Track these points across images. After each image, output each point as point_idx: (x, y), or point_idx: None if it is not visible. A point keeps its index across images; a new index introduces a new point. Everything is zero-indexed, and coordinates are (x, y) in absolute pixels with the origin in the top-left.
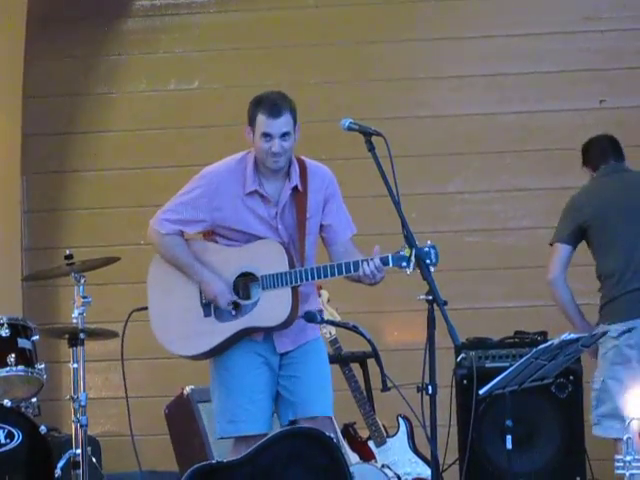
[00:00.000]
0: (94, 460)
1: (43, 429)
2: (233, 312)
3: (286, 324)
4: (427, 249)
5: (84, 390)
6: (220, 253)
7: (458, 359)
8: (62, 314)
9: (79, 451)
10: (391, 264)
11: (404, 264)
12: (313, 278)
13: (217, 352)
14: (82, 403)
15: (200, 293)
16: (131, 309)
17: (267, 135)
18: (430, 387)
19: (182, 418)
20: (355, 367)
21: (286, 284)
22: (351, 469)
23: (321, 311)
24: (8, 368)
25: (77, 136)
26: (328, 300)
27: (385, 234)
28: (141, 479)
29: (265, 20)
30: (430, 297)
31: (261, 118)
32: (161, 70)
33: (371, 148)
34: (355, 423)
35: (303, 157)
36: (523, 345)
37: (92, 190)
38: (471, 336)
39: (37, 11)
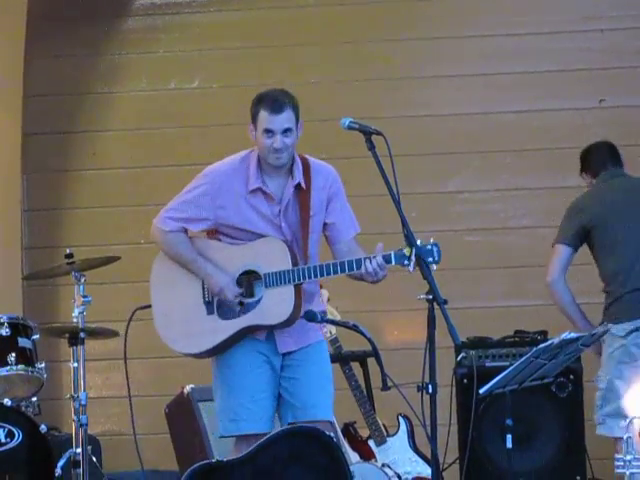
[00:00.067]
0: (94, 459)
1: (43, 428)
2: (239, 307)
3: (289, 322)
4: (430, 247)
5: (84, 389)
6: (223, 251)
7: (458, 358)
8: (62, 313)
9: (79, 450)
10: (393, 262)
11: (406, 262)
12: (316, 276)
13: (220, 350)
14: (82, 402)
15: (203, 291)
16: (131, 308)
17: (269, 131)
18: (430, 386)
19: (182, 417)
20: (355, 366)
21: (289, 282)
22: (351, 468)
23: (324, 312)
24: (8, 367)
25: (77, 135)
26: (328, 299)
27: (385, 233)
28: (142, 478)
29: (265, 19)
30: (430, 296)
31: (263, 114)
32: (161, 69)
33: (371, 147)
34: (355, 422)
35: (307, 155)
36: (523, 344)
37: (92, 189)
38: (471, 335)
39: (37, 11)
